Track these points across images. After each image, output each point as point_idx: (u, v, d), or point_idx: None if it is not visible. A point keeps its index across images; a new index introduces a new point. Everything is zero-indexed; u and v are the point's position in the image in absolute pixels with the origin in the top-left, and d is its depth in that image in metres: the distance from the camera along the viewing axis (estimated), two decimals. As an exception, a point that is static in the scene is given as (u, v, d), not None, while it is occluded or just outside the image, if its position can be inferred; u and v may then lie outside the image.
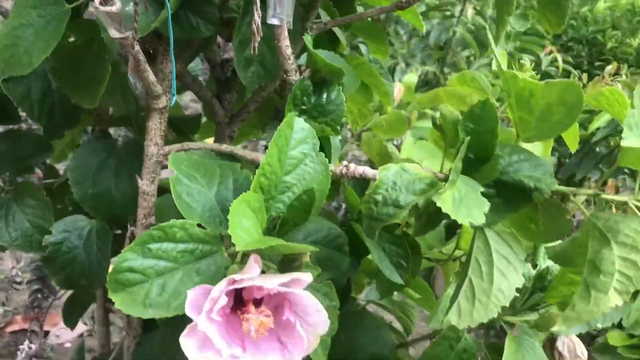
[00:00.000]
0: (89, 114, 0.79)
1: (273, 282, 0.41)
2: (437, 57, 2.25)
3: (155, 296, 0.45)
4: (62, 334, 1.69)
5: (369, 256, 0.81)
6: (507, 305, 0.47)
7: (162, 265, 0.46)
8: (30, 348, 1.60)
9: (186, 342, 0.41)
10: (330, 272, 0.57)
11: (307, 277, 0.41)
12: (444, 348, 0.67)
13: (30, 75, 0.68)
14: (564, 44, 2.41)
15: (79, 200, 0.68)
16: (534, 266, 0.70)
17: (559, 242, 0.63)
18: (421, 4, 2.35)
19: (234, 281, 0.41)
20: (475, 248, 0.49)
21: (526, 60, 0.74)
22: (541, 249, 0.70)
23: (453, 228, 0.77)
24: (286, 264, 0.50)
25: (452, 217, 0.40)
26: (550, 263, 0.71)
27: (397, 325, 0.99)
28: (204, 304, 0.41)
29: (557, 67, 2.05)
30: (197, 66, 0.92)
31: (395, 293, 1.10)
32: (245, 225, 0.43)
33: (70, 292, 0.97)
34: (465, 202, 0.42)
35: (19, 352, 1.59)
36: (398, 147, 0.90)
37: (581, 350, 0.70)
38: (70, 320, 0.95)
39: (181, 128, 0.86)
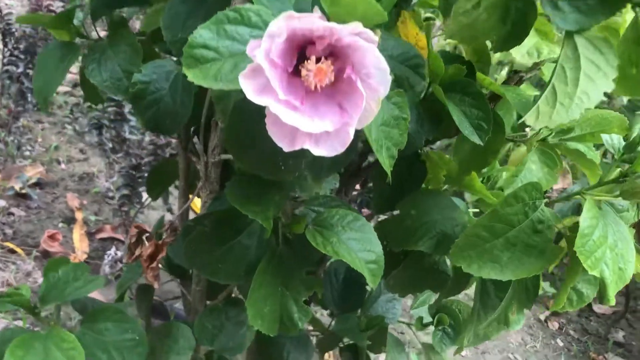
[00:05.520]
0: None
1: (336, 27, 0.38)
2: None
3: (227, 72, 0.45)
4: (145, 242, 1.79)
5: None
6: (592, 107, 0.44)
7: (236, 48, 0.46)
8: (115, 254, 1.70)
9: (245, 82, 0.39)
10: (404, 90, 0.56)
11: (375, 34, 0.39)
12: (515, 211, 0.63)
13: None
14: None
15: (169, 42, 0.70)
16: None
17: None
18: None
19: (293, 17, 0.38)
20: (562, 56, 0.46)
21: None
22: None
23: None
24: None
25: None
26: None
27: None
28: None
29: None
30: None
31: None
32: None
33: (153, 167, 1.02)
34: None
35: (105, 256, 1.69)
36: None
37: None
38: (153, 192, 1.00)
39: None
